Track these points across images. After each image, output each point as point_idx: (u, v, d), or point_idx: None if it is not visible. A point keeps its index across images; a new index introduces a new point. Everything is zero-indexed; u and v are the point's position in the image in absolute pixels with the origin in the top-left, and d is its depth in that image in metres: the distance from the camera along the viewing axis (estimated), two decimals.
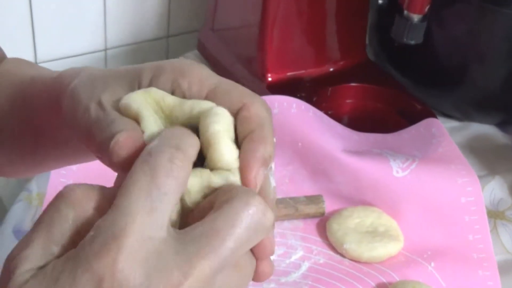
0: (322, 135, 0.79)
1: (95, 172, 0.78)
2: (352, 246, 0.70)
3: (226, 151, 0.34)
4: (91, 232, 0.30)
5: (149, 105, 0.36)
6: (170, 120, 0.37)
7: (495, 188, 0.80)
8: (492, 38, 0.83)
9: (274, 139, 0.37)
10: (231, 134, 0.35)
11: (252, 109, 0.36)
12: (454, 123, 0.91)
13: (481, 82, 0.87)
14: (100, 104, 0.36)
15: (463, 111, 0.91)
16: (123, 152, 0.33)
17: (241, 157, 0.35)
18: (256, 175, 0.34)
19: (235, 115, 0.36)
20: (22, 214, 0.73)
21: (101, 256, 0.29)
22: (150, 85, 0.37)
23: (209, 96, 0.37)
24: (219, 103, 0.36)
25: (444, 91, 0.90)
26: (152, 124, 0.35)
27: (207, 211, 0.32)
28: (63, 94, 0.40)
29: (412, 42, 0.77)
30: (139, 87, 0.37)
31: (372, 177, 0.75)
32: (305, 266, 0.70)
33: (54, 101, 0.42)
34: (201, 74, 0.37)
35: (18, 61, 0.53)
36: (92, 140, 0.36)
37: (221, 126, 0.35)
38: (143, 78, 0.38)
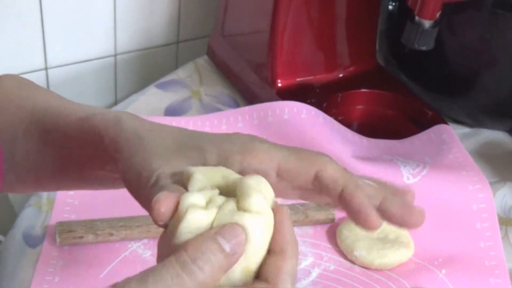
0: (332, 141, 0.79)
1: None
2: (362, 253, 0.70)
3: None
4: None
5: (214, 178, 0.37)
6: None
7: (506, 195, 0.79)
8: (504, 44, 0.83)
9: None
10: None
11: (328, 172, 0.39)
12: (465, 129, 0.91)
13: (493, 88, 0.87)
14: (158, 179, 0.38)
15: (474, 118, 0.91)
16: (161, 208, 0.36)
17: None
18: None
19: (312, 181, 0.39)
20: (32, 219, 0.73)
21: None
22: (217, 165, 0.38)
23: (281, 169, 0.39)
24: (293, 172, 0.39)
25: (455, 97, 0.90)
26: (197, 182, 0.37)
27: None
28: (109, 144, 0.41)
29: (424, 48, 0.77)
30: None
31: None
32: (315, 272, 0.69)
33: (89, 142, 0.43)
34: (269, 150, 0.39)
35: (17, 80, 0.52)
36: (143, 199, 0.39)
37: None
38: (208, 159, 0.39)
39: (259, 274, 0.37)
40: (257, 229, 0.36)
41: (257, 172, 0.39)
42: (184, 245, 0.34)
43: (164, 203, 0.35)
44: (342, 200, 0.40)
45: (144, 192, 0.38)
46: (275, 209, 0.37)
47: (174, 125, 0.43)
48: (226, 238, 0.35)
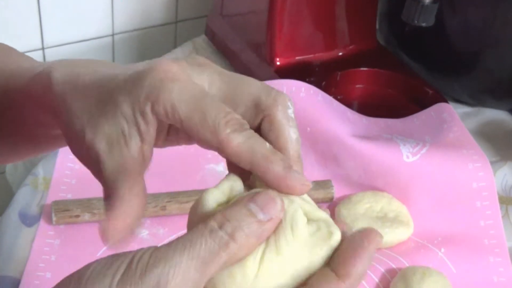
0: (331, 120, 0.78)
1: None
2: None
3: None
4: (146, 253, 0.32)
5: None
6: None
7: (507, 174, 0.78)
8: (506, 23, 0.82)
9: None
10: None
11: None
12: (466, 109, 0.90)
13: (494, 67, 0.86)
14: (96, 147, 0.36)
15: (475, 97, 0.90)
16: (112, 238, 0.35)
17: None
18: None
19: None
20: (28, 199, 0.73)
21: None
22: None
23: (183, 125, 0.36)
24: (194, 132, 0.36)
25: (456, 77, 0.89)
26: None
27: None
28: (51, 98, 0.39)
29: (424, 24, 0.76)
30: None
31: (382, 162, 0.74)
32: None
33: (35, 100, 0.42)
34: (176, 99, 0.36)
35: None
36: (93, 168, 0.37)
37: None
38: (123, 112, 0.37)
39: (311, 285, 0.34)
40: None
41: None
42: (213, 213, 0.33)
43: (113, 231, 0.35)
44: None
45: (85, 153, 0.37)
46: (367, 229, 0.34)
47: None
48: (259, 204, 0.33)
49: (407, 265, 0.67)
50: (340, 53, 0.90)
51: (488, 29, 0.83)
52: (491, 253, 0.69)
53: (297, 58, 0.87)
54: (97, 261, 0.33)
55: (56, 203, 0.70)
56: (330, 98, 0.81)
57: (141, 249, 0.32)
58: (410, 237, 0.71)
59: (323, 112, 0.78)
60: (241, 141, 0.35)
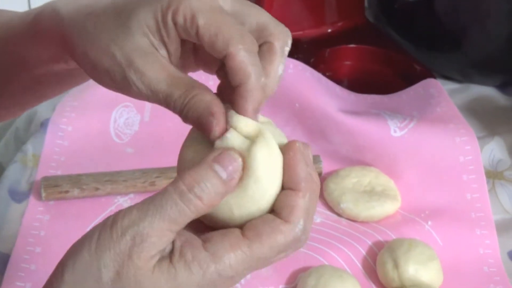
0: (320, 95, 0.78)
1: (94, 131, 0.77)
2: (349, 205, 0.70)
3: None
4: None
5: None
6: None
7: (494, 148, 0.79)
8: None
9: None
10: None
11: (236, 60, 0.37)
12: (454, 85, 0.90)
13: (482, 43, 0.86)
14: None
15: (464, 73, 0.90)
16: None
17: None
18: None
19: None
20: (17, 175, 0.73)
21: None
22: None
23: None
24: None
25: (444, 53, 0.89)
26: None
27: None
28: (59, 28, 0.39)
29: None
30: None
31: (369, 137, 0.75)
32: None
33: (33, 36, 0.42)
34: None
35: None
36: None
37: None
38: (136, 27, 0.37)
39: (272, 211, 0.37)
40: (259, 156, 0.36)
41: None
42: (181, 175, 0.35)
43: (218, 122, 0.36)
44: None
45: (124, 84, 0.38)
46: (286, 145, 0.37)
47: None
48: (222, 164, 0.35)
49: (394, 238, 0.68)
50: (329, 30, 0.90)
51: (476, 4, 0.83)
52: (477, 226, 0.69)
53: None
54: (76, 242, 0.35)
55: (45, 179, 0.70)
56: (318, 75, 0.81)
57: (112, 214, 0.35)
58: (398, 210, 0.71)
59: (312, 88, 0.78)
60: (247, 60, 0.36)
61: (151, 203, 0.34)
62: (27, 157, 0.74)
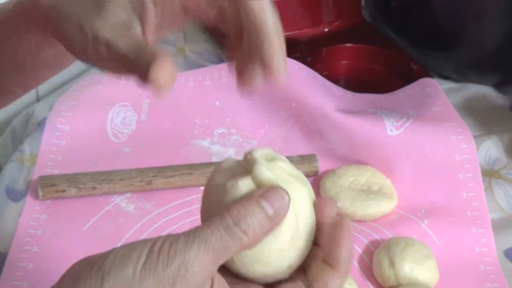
0: (316, 94, 0.79)
1: (89, 130, 0.77)
2: (345, 204, 0.70)
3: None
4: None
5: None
6: None
7: (491, 147, 0.79)
8: None
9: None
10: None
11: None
12: (451, 84, 0.91)
13: (479, 43, 0.86)
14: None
15: (460, 72, 0.91)
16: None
17: None
18: None
19: None
20: (14, 174, 0.73)
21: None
22: None
23: None
24: None
25: (442, 52, 0.89)
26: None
27: None
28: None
29: None
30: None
31: (366, 136, 0.75)
32: None
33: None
34: None
35: None
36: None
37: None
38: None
39: (306, 275, 0.38)
40: (302, 198, 0.37)
41: None
42: (228, 208, 0.35)
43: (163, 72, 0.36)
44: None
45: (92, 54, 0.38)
46: (338, 220, 0.37)
47: None
48: (269, 201, 0.36)
49: (391, 236, 0.68)
50: (326, 29, 0.90)
51: (472, 3, 0.83)
52: (473, 224, 0.70)
53: None
54: (113, 251, 0.35)
55: (42, 178, 0.70)
56: (315, 74, 0.81)
57: (159, 237, 0.35)
58: (394, 209, 0.72)
59: (308, 88, 0.79)
60: (265, 5, 0.38)
61: (196, 234, 0.35)
62: (24, 156, 0.75)
